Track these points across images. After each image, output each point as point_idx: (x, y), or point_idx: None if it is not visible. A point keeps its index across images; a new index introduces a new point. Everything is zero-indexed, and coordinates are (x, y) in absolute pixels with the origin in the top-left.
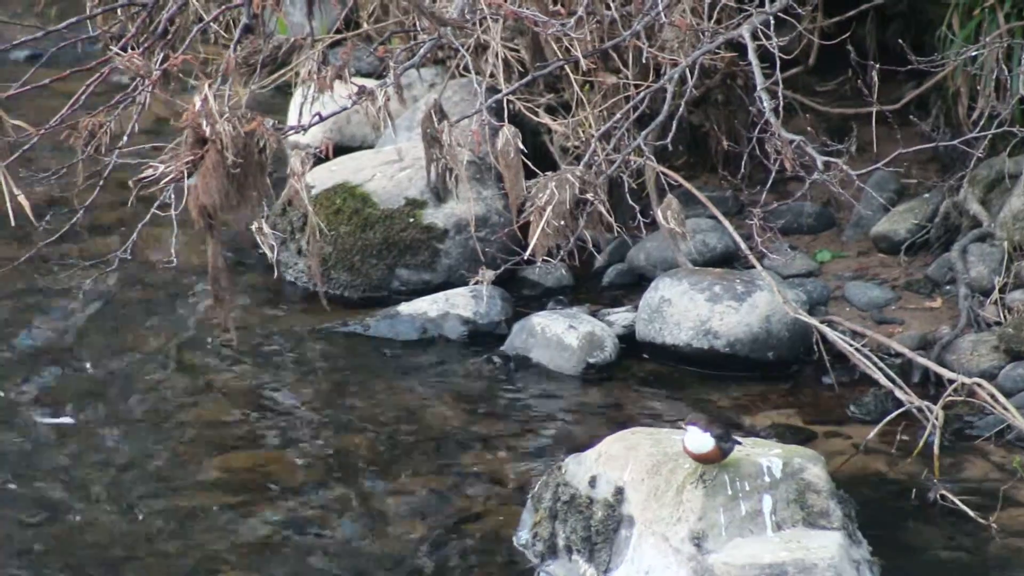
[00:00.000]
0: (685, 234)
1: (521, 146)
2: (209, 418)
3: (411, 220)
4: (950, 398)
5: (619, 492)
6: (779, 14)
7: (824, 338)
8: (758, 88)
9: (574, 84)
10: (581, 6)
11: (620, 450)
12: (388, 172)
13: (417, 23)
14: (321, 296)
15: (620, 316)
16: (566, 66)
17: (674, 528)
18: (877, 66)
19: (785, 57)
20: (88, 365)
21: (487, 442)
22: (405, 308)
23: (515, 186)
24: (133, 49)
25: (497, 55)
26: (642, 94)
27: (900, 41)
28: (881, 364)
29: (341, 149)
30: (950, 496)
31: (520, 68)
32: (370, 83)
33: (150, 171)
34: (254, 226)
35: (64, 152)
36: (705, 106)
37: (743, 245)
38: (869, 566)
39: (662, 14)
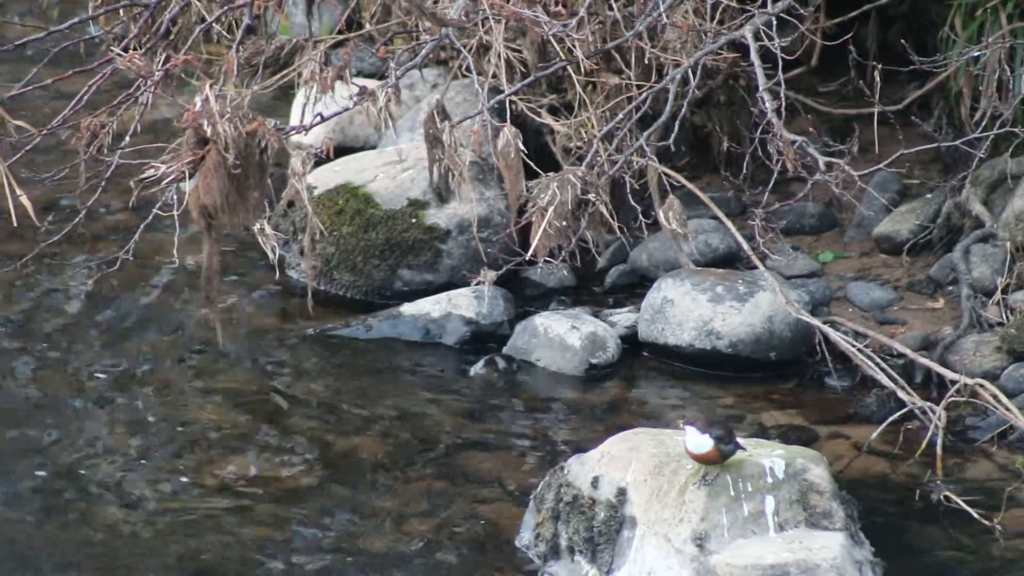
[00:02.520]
0: (687, 235)
1: (523, 147)
2: (210, 419)
3: (413, 221)
4: (952, 399)
5: (621, 493)
6: (781, 15)
7: (826, 339)
8: (760, 89)
9: (576, 85)
10: (583, 7)
11: (623, 451)
12: (390, 173)
13: (419, 24)
14: (308, 298)
15: (622, 316)
16: (568, 67)
17: (676, 529)
18: (879, 67)
19: (787, 58)
20: (88, 365)
21: (489, 443)
22: (407, 309)
23: (515, 187)
24: (135, 50)
25: (499, 56)
26: (644, 95)
27: (902, 41)
28: (883, 365)
29: (343, 150)
30: (954, 497)
31: (522, 69)
32: (372, 84)
33: (151, 171)
34: (256, 227)
35: (66, 152)
36: (707, 107)
37: (745, 245)
38: (872, 567)
39: (664, 15)
